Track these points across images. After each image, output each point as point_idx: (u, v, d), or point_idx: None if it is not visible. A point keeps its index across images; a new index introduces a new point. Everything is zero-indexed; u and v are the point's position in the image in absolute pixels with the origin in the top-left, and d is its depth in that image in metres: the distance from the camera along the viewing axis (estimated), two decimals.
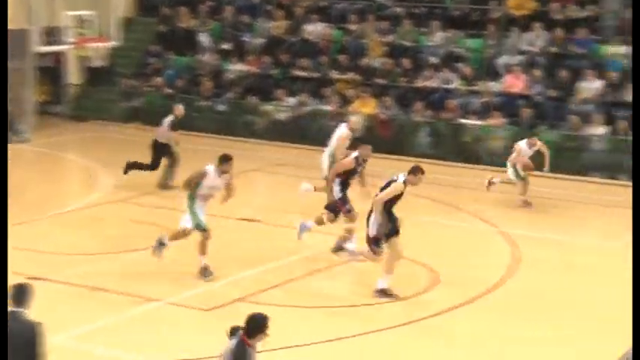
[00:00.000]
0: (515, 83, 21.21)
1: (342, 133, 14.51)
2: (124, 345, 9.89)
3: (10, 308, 6.81)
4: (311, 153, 21.11)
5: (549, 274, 12.88)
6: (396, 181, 11.16)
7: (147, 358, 9.67)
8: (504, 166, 17.12)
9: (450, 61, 22.18)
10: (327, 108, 22.22)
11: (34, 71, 23.22)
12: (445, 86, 21.69)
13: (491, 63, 21.95)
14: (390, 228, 11.12)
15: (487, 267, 12.86)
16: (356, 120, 15.50)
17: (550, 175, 17.48)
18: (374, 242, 11.17)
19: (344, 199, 12.70)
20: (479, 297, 11.58)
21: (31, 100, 23.08)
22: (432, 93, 21.72)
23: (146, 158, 16.90)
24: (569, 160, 19.63)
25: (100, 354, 9.63)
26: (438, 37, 22.64)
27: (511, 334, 10.43)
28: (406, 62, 22.29)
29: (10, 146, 17.69)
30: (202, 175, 11.79)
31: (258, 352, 6.83)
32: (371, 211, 11.22)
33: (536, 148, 16.70)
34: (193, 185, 11.78)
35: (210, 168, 11.82)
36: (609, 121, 19.95)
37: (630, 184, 18.69)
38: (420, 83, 22.01)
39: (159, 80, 24.16)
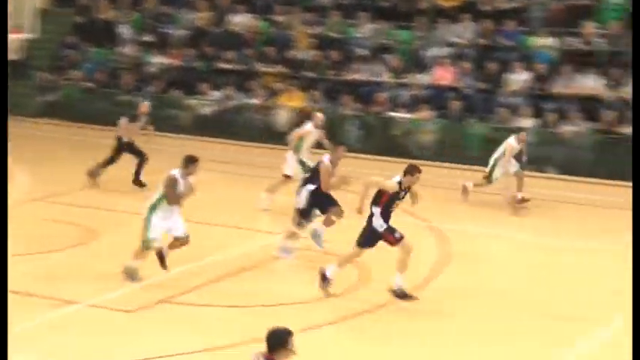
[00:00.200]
0: (444, 76, 21.03)
1: (302, 128, 14.77)
2: (40, 351, 9.26)
3: None
4: (237, 148, 20.68)
5: (482, 269, 12.65)
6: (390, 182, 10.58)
7: None
8: (434, 160, 16.85)
9: (378, 53, 21.90)
10: (254, 102, 21.77)
11: None
12: (374, 79, 21.41)
13: (420, 55, 21.72)
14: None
15: (417, 263, 12.49)
16: (321, 116, 15.31)
17: (478, 168, 17.27)
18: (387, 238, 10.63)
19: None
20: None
21: None
22: (360, 86, 21.42)
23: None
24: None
25: None
26: (366, 29, 22.34)
27: (444, 329, 10.09)
28: (334, 54, 21.95)
29: None
30: (173, 184, 11.07)
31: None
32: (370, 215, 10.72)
33: (523, 144, 16.16)
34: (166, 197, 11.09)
35: (176, 173, 11.14)
36: (537, 113, 19.91)
37: (560, 176, 18.81)
38: (348, 76, 21.68)
39: (76, 74, 23.48)
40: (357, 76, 21.58)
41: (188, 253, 11.56)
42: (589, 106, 19.65)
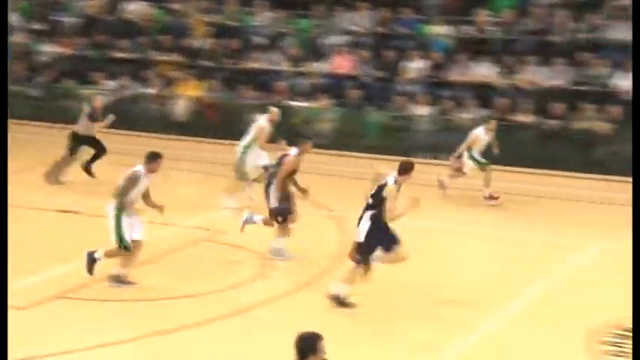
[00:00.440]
0: (342, 64, 21.06)
1: (260, 124, 14.42)
2: None
3: None
4: (133, 139, 20.23)
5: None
6: (386, 185, 10.04)
7: None
8: (333, 148, 16.83)
9: (277, 41, 21.77)
10: (150, 91, 21.36)
11: None
12: (272, 68, 21.28)
13: (318, 44, 21.70)
14: (387, 237, 10.11)
15: (317, 250, 12.48)
16: (276, 111, 14.98)
17: (377, 156, 17.35)
18: (360, 250, 10.11)
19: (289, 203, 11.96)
20: (309, 284, 11.17)
21: None
22: (259, 75, 21.25)
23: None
24: (397, 140, 19.67)
25: None
26: (264, 17, 22.18)
27: (343, 321, 10.05)
28: (232, 43, 21.72)
29: None
30: (135, 180, 10.56)
31: None
32: (361, 218, 10.21)
33: (492, 134, 15.85)
34: (120, 190, 10.55)
35: (141, 169, 10.64)
36: (434, 101, 20.15)
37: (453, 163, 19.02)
38: (246, 65, 21.49)
39: None
40: (255, 65, 21.42)
41: (85, 247, 11.22)
42: (483, 94, 20.00)
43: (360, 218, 10.12)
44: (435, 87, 20.45)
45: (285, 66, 21.33)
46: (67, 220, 13.61)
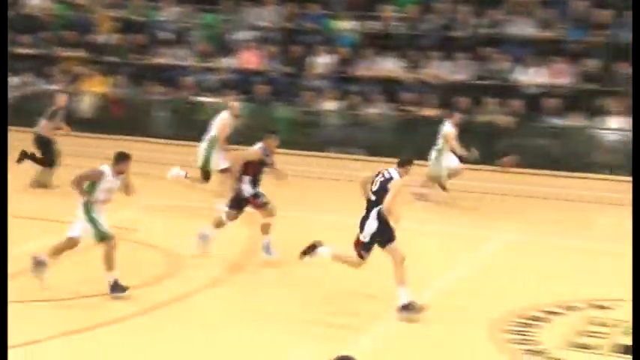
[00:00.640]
0: (250, 59, 21.07)
1: (223, 119, 14.30)
2: None
3: None
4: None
5: (291, 251, 12.69)
6: (391, 179, 9.87)
7: None
8: (244, 144, 16.69)
9: (183, 36, 21.65)
10: (54, 87, 20.94)
11: None
12: (179, 63, 21.15)
13: (225, 39, 21.66)
14: (388, 234, 9.92)
15: (227, 246, 12.48)
16: (237, 105, 14.84)
17: (287, 151, 17.41)
18: (363, 247, 9.96)
19: (256, 194, 11.75)
20: (219, 280, 11.20)
21: None
22: (165, 70, 21.10)
23: None
24: (306, 135, 19.81)
25: None
26: (170, 12, 22.01)
27: (254, 317, 10.11)
28: (138, 38, 21.49)
29: None
30: (97, 175, 10.19)
31: None
32: (365, 217, 10.00)
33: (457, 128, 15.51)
34: (86, 187, 10.16)
35: (106, 168, 10.28)
36: (342, 96, 20.35)
37: (365, 157, 19.29)
38: (153, 60, 21.30)
39: None
40: (161, 61, 21.26)
41: None
42: (389, 88, 20.30)
43: (366, 217, 9.94)
44: (342, 82, 20.66)
45: (192, 61, 21.23)
46: None
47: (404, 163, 10.01)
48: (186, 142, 19.17)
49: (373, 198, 9.93)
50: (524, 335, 9.45)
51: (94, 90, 20.58)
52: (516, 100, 19.25)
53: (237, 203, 11.80)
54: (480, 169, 17.25)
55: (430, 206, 15.42)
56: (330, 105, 20.20)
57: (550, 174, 17.50)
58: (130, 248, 11.83)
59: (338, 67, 20.80)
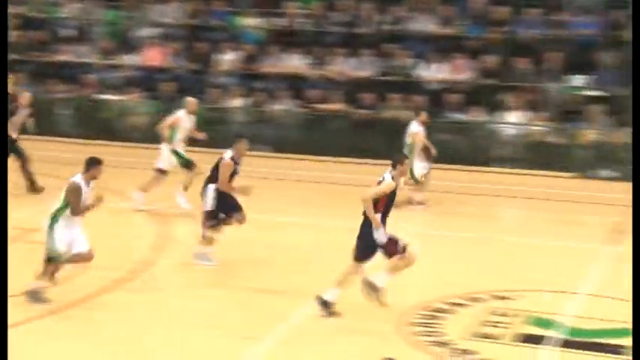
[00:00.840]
0: (154, 56, 20.90)
1: (177, 116, 14.19)
2: None
3: None
4: None
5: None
6: (383, 180, 9.65)
7: None
8: (148, 142, 16.61)
9: (85, 33, 21.33)
10: None
11: None
12: (81, 60, 20.83)
13: (128, 36, 21.42)
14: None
15: (135, 243, 12.42)
16: (193, 101, 14.58)
17: (194, 149, 17.34)
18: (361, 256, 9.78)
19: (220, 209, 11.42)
20: (125, 279, 11.13)
21: None
22: (67, 68, 20.75)
23: None
24: (212, 132, 19.67)
25: None
26: (71, 9, 21.65)
27: (161, 316, 10.10)
28: (39, 35, 21.07)
29: None
30: (78, 191, 9.72)
31: None
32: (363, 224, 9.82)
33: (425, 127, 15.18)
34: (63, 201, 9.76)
35: (79, 178, 9.83)
36: (247, 92, 20.38)
37: (271, 154, 19.36)
38: (54, 57, 20.92)
39: None
40: (63, 58, 20.89)
41: None
42: (295, 85, 20.43)
43: (364, 224, 9.79)
44: (247, 79, 20.70)
45: (94, 59, 20.93)
46: None
47: (395, 164, 9.72)
48: (90, 141, 18.97)
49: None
50: (430, 327, 9.67)
51: None
52: (418, 95, 19.61)
53: (210, 217, 11.51)
54: (381, 164, 17.52)
55: (331, 201, 15.62)
56: (235, 102, 20.20)
57: (453, 168, 17.88)
58: (29, 249, 11.58)
59: (243, 63, 20.82)
